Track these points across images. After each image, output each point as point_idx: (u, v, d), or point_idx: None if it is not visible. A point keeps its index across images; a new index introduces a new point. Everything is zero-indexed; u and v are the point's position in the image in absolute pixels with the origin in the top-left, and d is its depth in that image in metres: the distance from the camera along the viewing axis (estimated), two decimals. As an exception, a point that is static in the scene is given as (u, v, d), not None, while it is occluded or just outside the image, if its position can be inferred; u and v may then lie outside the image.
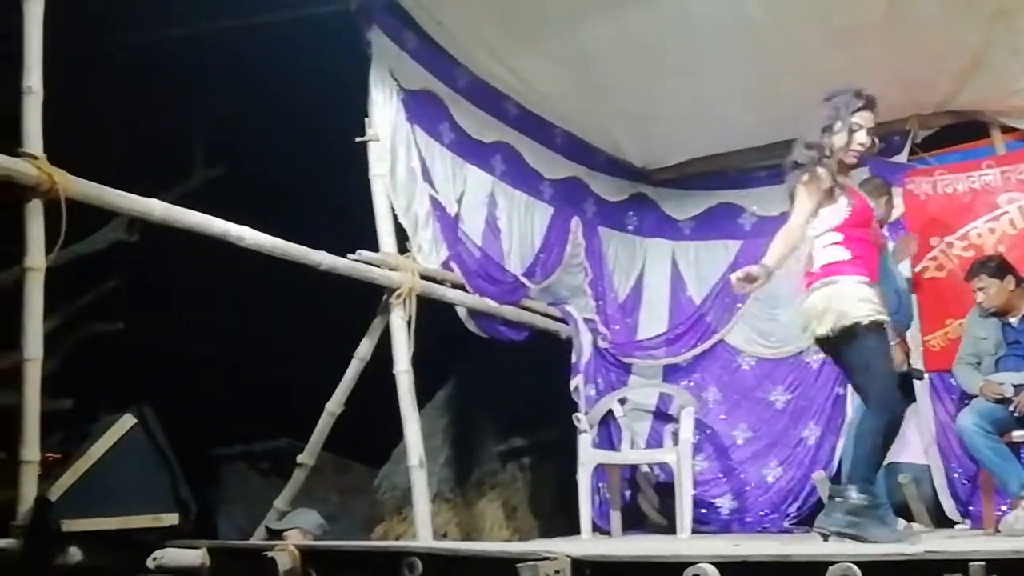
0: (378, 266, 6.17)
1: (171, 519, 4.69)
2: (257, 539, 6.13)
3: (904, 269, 6.88)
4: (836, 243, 5.01)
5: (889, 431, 4.95)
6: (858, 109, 5.09)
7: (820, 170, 5.03)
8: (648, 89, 7.12)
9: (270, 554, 4.33)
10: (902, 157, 7.35)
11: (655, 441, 7.70)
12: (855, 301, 4.87)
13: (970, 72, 6.65)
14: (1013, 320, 6.22)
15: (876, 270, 5.11)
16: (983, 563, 3.35)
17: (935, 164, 7.28)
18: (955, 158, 7.30)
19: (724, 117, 7.45)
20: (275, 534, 5.95)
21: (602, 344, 7.78)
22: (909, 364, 6.31)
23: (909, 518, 6.52)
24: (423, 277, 6.37)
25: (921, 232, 7.10)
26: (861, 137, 5.08)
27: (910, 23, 6.24)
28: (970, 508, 6.71)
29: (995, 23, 6.19)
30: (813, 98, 7.00)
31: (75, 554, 4.33)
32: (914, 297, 6.91)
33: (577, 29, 6.50)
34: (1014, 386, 5.95)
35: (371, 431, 7.15)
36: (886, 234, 6.64)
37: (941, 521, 6.76)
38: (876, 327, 4.87)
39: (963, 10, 6.14)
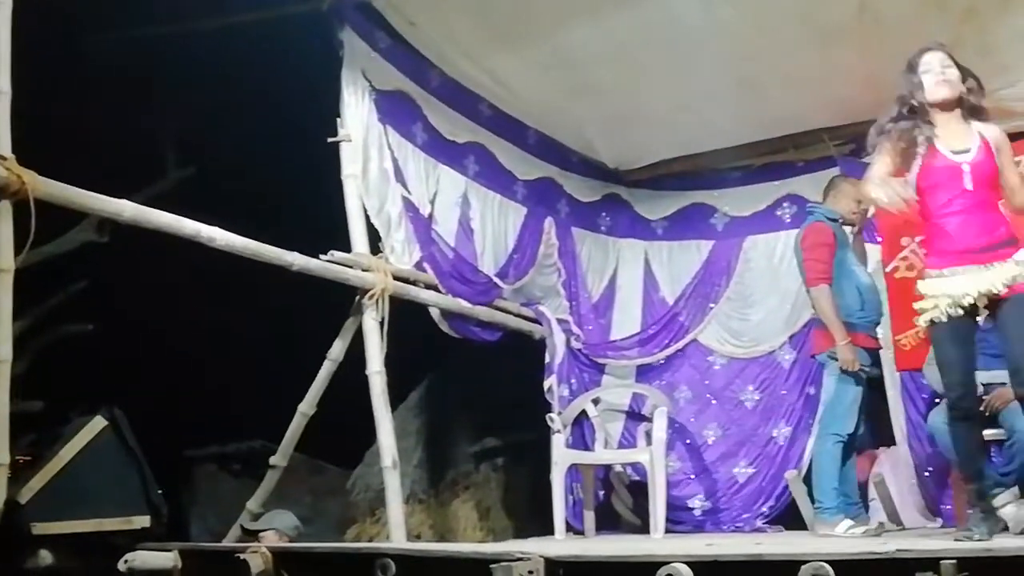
0: (350, 267, 6.16)
1: (142, 521, 4.68)
2: (231, 540, 6.10)
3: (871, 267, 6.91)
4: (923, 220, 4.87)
5: (960, 416, 4.77)
6: (919, 55, 4.91)
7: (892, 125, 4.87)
8: (622, 90, 7.13)
9: (242, 556, 4.32)
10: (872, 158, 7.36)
11: (628, 441, 7.71)
12: (922, 304, 4.76)
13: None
14: (979, 320, 6.23)
15: (955, 242, 4.72)
16: (954, 561, 3.37)
17: (905, 165, 7.29)
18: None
19: (698, 118, 7.47)
20: (250, 534, 5.92)
21: (575, 344, 7.79)
22: (862, 365, 6.27)
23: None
24: (396, 278, 6.36)
25: (892, 232, 7.13)
26: (933, 75, 4.83)
27: (882, 24, 6.27)
28: (941, 507, 6.74)
29: (964, 23, 6.21)
30: (787, 98, 7.14)
31: (45, 557, 4.31)
32: (885, 294, 6.92)
33: (553, 30, 6.50)
34: (983, 385, 5.97)
35: (344, 432, 7.13)
36: (847, 231, 6.65)
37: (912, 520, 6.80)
38: (935, 327, 4.74)
39: (933, 10, 6.17)
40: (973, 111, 4.90)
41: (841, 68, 6.74)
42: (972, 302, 4.67)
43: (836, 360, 6.16)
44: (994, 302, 4.70)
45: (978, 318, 5.25)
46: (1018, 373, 4.68)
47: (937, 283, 4.72)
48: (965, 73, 4.89)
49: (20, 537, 4.25)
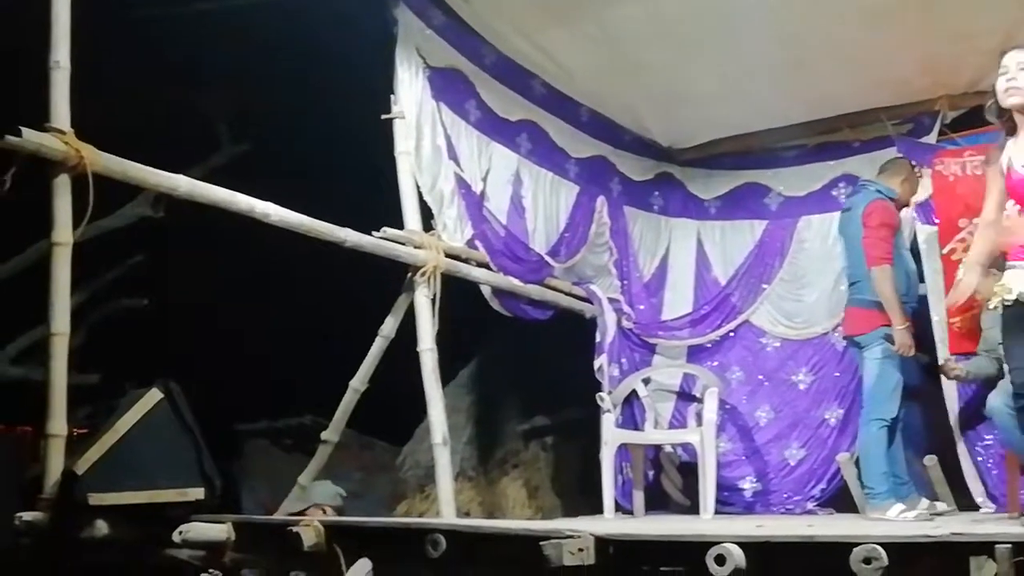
0: (403, 244, 6.17)
1: (196, 493, 4.71)
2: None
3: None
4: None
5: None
6: (1002, 55, 4.65)
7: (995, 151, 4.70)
8: (676, 68, 7.08)
9: (295, 529, 4.35)
10: (931, 138, 7.29)
11: (678, 421, 7.69)
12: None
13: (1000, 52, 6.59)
14: None
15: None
16: (1010, 546, 3.33)
17: (964, 145, 7.19)
18: (984, 139, 7.19)
19: (752, 96, 7.40)
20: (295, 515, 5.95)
21: (626, 324, 7.75)
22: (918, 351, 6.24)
23: (934, 499, 6.49)
24: (447, 255, 6.37)
25: (949, 214, 7.04)
26: (1004, 80, 4.57)
27: (936, 2, 6.19)
28: (997, 492, 6.67)
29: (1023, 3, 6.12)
30: (842, 77, 7.06)
31: (101, 527, 4.36)
32: (941, 275, 6.86)
33: (606, 7, 6.46)
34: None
35: (395, 409, 7.17)
36: (913, 215, 6.59)
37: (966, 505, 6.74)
38: (1004, 312, 4.60)
39: (990, -12, 6.09)
40: None
41: (895, 47, 6.66)
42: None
43: (885, 342, 6.09)
44: None
45: None
46: None
47: (1009, 273, 4.61)
48: None
49: (77, 507, 4.30)
